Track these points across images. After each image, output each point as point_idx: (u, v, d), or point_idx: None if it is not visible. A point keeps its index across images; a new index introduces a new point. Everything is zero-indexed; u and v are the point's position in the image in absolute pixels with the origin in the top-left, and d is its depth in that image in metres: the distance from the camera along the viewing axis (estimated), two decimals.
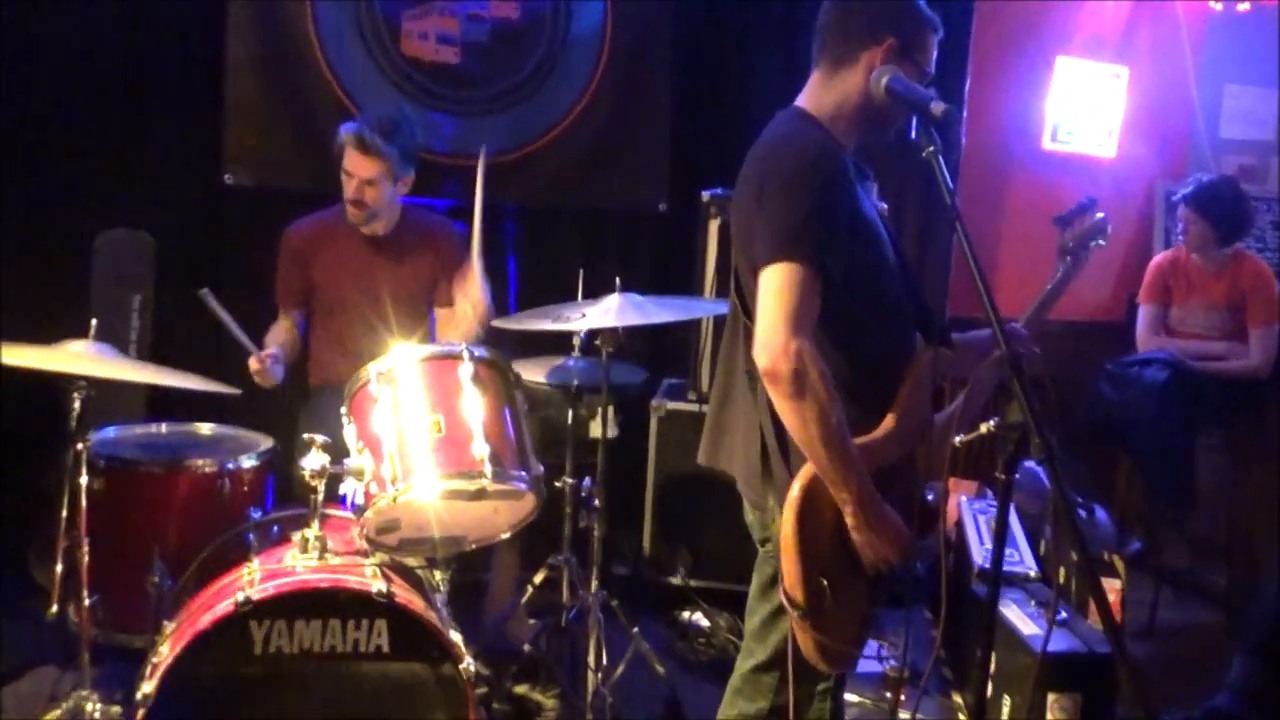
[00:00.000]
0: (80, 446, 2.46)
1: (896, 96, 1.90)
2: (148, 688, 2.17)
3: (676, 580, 3.77)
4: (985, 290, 1.60)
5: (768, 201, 1.89)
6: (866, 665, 3.18)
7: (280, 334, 3.29)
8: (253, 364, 2.99)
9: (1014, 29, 4.57)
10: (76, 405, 2.44)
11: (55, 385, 2.92)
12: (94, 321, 2.59)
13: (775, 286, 1.84)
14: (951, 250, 4.40)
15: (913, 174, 4.30)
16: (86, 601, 2.50)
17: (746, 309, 1.96)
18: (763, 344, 1.84)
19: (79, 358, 2.44)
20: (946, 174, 1.72)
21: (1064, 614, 2.89)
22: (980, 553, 3.29)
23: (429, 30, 4.00)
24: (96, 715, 2.52)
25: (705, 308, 3.03)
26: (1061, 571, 3.17)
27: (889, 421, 1.96)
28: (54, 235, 3.82)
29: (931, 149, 1.74)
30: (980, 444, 1.69)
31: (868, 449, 1.91)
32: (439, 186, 3.96)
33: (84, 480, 2.47)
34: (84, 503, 2.48)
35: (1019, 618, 2.87)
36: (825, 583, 1.90)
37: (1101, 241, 2.15)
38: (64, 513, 2.51)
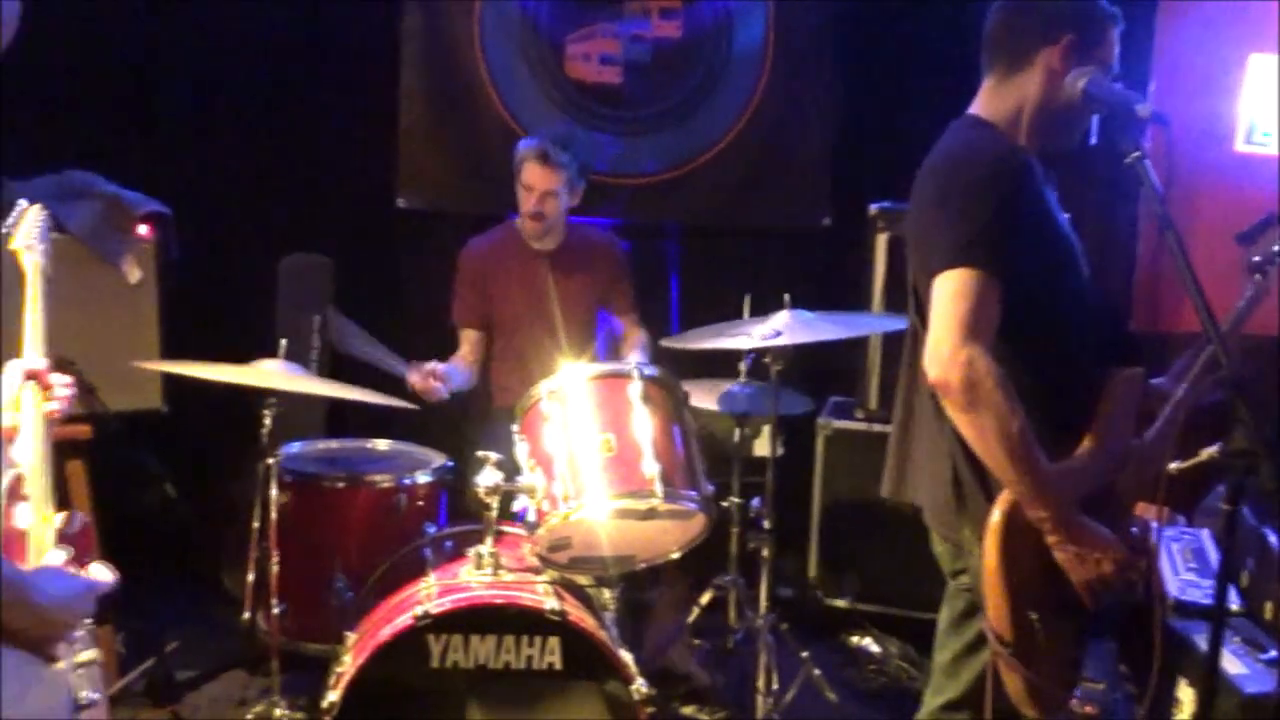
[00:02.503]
0: (270, 461, 2.56)
1: (1095, 100, 1.79)
2: (333, 696, 2.24)
3: (844, 604, 3.68)
4: (1203, 304, 1.48)
5: (947, 211, 1.82)
6: None
7: (457, 358, 3.40)
8: (414, 378, 3.04)
9: (1200, 29, 4.31)
10: (268, 421, 2.55)
11: (246, 403, 3.07)
12: (283, 342, 2.71)
13: (948, 294, 1.77)
14: (1135, 264, 4.21)
15: (1088, 181, 4.09)
16: (275, 610, 2.59)
17: (928, 328, 1.88)
18: (932, 354, 1.76)
19: (277, 375, 2.55)
20: (1156, 180, 1.61)
21: (1274, 653, 2.67)
22: (1175, 584, 3.08)
23: (592, 52, 4.05)
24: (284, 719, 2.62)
25: (880, 323, 2.96)
26: (1269, 607, 2.94)
27: (1089, 443, 1.84)
28: (240, 260, 4.02)
29: (1137, 154, 1.63)
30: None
31: (1066, 473, 1.80)
32: (599, 205, 4.00)
33: (273, 494, 2.58)
34: (273, 515, 2.58)
35: (1223, 655, 2.66)
36: (1035, 617, 1.79)
37: None
38: (255, 525, 2.62)
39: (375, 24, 4.05)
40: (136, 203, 3.10)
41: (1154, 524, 1.76)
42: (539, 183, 3.29)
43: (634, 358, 3.32)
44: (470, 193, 4.05)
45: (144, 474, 2.81)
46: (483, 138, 4.03)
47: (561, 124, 3.86)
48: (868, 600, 3.67)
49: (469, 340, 3.47)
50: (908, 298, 2.03)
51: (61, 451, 2.95)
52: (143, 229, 3.09)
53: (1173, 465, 1.55)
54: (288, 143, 4.07)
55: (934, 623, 2.10)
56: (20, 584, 1.48)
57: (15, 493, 1.66)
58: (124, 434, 2.76)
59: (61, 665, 1.61)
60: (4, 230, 1.93)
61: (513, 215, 3.56)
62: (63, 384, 1.83)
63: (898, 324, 2.76)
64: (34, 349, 1.81)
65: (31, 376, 1.78)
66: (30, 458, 1.74)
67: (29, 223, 1.91)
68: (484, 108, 4.04)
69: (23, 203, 1.96)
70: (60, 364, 2.64)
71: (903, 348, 2.16)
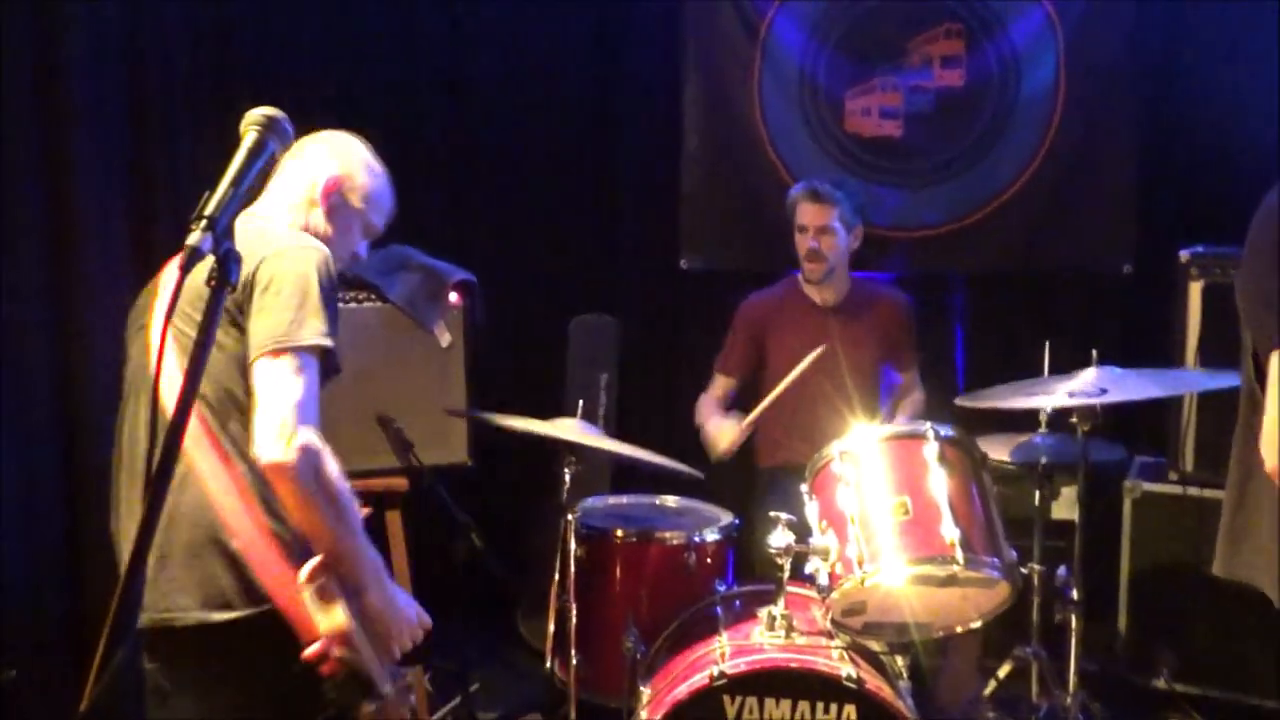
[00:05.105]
0: (570, 516, 2.67)
1: None
2: None
3: (1159, 683, 3.37)
4: None
5: None
6: None
7: (709, 399, 3.54)
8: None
9: None
10: (567, 477, 2.66)
11: (541, 460, 3.22)
12: (580, 401, 2.84)
13: None
14: None
15: None
16: (574, 660, 2.68)
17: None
18: (1270, 441, 1.64)
19: (580, 434, 2.68)
20: None
21: None
22: None
23: (871, 106, 4.03)
24: None
25: (1204, 380, 2.73)
26: None
27: None
28: (534, 323, 4.25)
29: None
30: None
31: None
32: (882, 260, 3.95)
33: (572, 547, 2.68)
34: (572, 568, 2.68)
35: None
36: None
37: None
38: (555, 576, 2.73)
39: (658, 97, 4.21)
40: (448, 272, 3.35)
41: None
42: (812, 219, 3.36)
43: (902, 419, 3.31)
44: (751, 252, 4.10)
45: (453, 524, 3.00)
46: (762, 198, 4.08)
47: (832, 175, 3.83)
48: (1187, 680, 3.34)
49: (722, 386, 3.56)
50: (1242, 355, 1.86)
51: (380, 502, 3.23)
52: (453, 296, 3.34)
53: None
54: (578, 212, 4.29)
55: (1267, 710, 1.90)
56: (384, 569, 1.84)
57: None
58: (436, 486, 2.96)
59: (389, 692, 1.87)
60: None
61: (794, 272, 3.58)
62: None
63: (1223, 382, 2.52)
64: None
65: None
66: None
67: None
68: (763, 168, 4.10)
69: None
70: (382, 421, 2.90)
71: (1233, 407, 1.99)
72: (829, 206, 3.35)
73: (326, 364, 1.81)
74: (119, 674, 1.13)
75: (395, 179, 3.97)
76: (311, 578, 1.73)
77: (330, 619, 1.72)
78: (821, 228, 3.35)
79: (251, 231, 1.86)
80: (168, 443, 1.15)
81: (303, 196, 2.04)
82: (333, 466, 1.74)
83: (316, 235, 2.00)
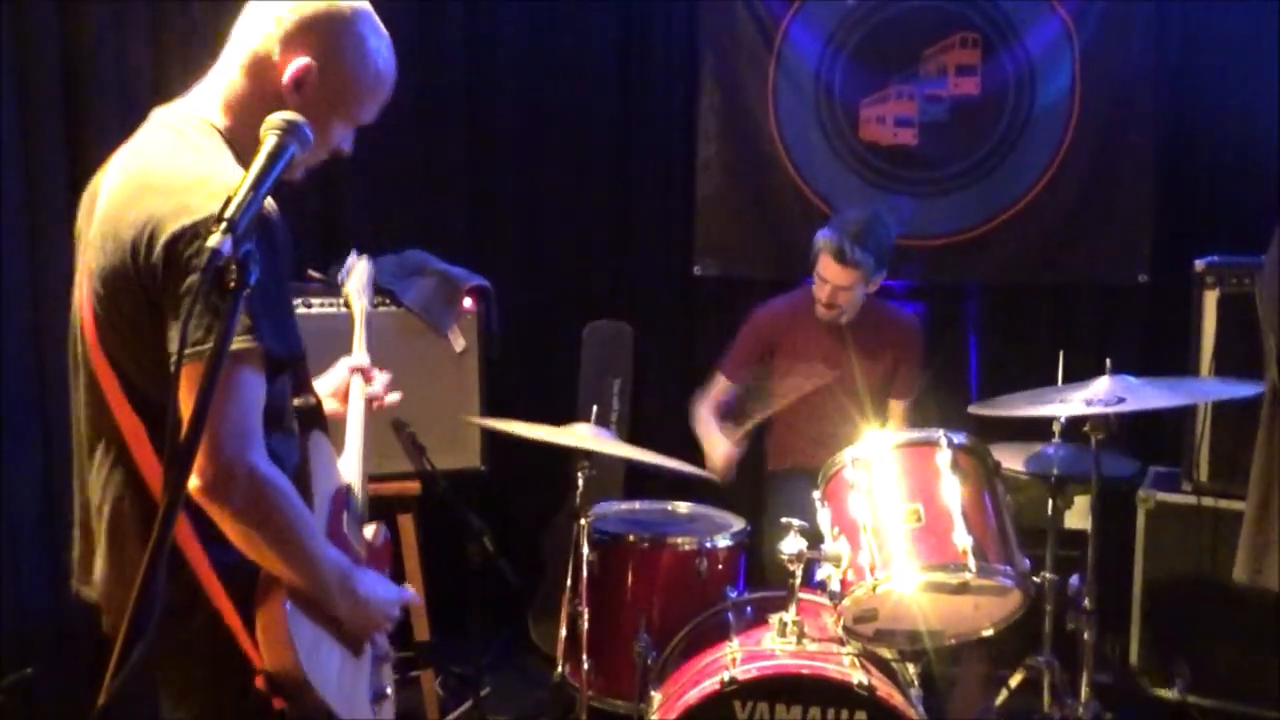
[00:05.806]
0: (583, 521, 2.68)
1: None
2: None
3: (1172, 695, 3.36)
4: None
5: None
6: None
7: (708, 398, 3.53)
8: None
9: None
10: (581, 483, 2.67)
11: (555, 465, 3.23)
12: (594, 407, 2.85)
13: None
14: None
15: None
16: (585, 665, 2.69)
17: None
18: None
19: (596, 439, 2.69)
20: None
21: None
22: None
23: (887, 115, 4.03)
24: None
25: (1220, 389, 2.71)
26: None
27: None
28: (549, 328, 4.26)
29: None
30: None
31: None
32: (896, 267, 3.94)
33: (585, 552, 2.69)
34: (585, 573, 2.69)
35: None
36: None
37: None
38: (568, 581, 2.74)
39: (674, 104, 4.22)
40: (463, 278, 3.37)
41: None
42: (833, 277, 3.29)
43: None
44: (764, 259, 4.11)
45: (466, 529, 3.01)
46: (776, 204, 4.09)
47: (866, 207, 3.70)
48: (1201, 692, 3.33)
49: (722, 389, 3.53)
50: (1265, 363, 1.86)
51: (393, 506, 3.24)
52: (468, 302, 3.35)
53: None
54: (593, 218, 4.30)
55: None
56: (349, 574, 1.64)
57: (343, 503, 1.83)
58: (449, 491, 2.97)
59: (364, 658, 1.77)
60: (340, 280, 2.36)
61: (807, 280, 3.58)
62: (381, 379, 2.14)
63: (1239, 391, 2.51)
64: (359, 351, 2.17)
65: (356, 370, 2.11)
66: (354, 440, 2.01)
67: (359, 273, 2.33)
68: (778, 174, 4.10)
69: (353, 256, 2.35)
70: (396, 426, 2.92)
71: (1248, 417, 1.99)
72: (851, 270, 3.23)
73: (271, 360, 1.50)
74: (136, 670, 1.14)
75: (414, 185, 4.05)
76: (264, 607, 1.54)
77: (276, 656, 1.52)
78: (840, 287, 3.28)
79: (158, 158, 1.55)
80: (174, 480, 1.11)
81: (257, 88, 1.61)
82: (273, 488, 1.49)
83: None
